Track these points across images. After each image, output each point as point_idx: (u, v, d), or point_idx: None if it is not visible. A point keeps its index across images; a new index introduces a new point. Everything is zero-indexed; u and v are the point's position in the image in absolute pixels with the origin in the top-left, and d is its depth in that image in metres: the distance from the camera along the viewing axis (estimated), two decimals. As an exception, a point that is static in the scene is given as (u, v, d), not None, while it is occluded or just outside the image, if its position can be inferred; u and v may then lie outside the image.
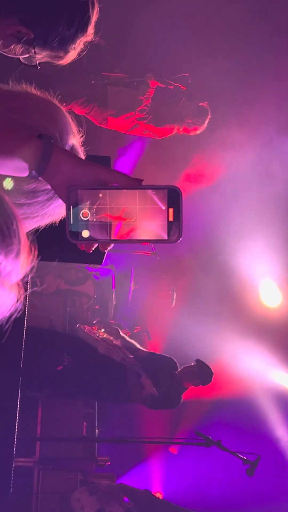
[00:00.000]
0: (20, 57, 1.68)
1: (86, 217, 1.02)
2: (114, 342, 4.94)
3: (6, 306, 0.84)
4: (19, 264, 0.84)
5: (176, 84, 5.68)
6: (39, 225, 1.17)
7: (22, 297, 0.86)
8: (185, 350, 5.39)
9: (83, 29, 1.64)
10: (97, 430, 5.16)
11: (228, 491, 5.97)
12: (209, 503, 5.71)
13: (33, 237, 0.90)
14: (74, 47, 1.68)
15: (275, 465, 6.14)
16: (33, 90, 1.18)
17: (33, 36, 1.60)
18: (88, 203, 1.01)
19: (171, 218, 1.01)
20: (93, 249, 1.07)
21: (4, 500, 3.40)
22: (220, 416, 6.13)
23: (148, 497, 4.54)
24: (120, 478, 5.54)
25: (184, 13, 5.99)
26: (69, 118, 1.18)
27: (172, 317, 6.54)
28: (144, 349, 5.11)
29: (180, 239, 1.02)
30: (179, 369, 4.85)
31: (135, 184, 1.01)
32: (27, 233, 0.87)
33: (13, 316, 0.86)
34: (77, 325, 5.29)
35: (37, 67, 1.70)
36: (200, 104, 5.68)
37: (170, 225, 1.01)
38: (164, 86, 5.64)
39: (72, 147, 1.16)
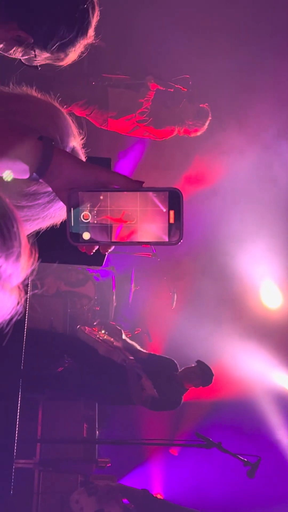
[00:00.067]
0: (21, 58, 1.68)
1: (87, 219, 1.02)
2: (114, 343, 4.94)
3: (6, 309, 0.84)
4: (20, 266, 0.83)
5: (176, 86, 5.68)
6: (40, 228, 1.16)
7: (23, 300, 0.85)
8: (186, 351, 5.39)
9: (83, 34, 1.65)
10: (97, 432, 5.16)
11: (229, 493, 5.96)
12: (209, 505, 5.69)
13: (34, 239, 0.90)
14: (74, 50, 1.68)
15: (276, 467, 6.12)
16: (33, 92, 1.18)
17: (33, 41, 1.60)
18: (89, 205, 1.01)
19: (172, 220, 1.01)
20: (93, 251, 1.07)
21: (5, 502, 3.40)
22: (220, 418, 6.13)
23: (146, 496, 4.54)
24: (120, 479, 5.53)
25: (184, 14, 5.99)
26: (70, 120, 1.18)
27: (173, 319, 6.54)
28: (145, 351, 5.11)
29: (181, 241, 1.02)
30: (179, 370, 4.85)
31: (136, 186, 1.01)
32: (27, 235, 0.87)
33: (14, 319, 0.86)
34: (78, 326, 5.29)
35: (38, 68, 1.71)
36: (200, 105, 5.68)
37: (170, 227, 1.01)
38: (164, 89, 5.64)
39: (73, 149, 1.16)
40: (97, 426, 5.13)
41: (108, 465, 4.99)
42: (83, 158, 1.19)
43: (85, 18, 1.63)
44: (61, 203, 1.07)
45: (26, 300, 0.86)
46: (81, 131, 1.21)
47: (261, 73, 6.19)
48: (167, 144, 6.03)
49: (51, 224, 1.18)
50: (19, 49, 1.63)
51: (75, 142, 1.18)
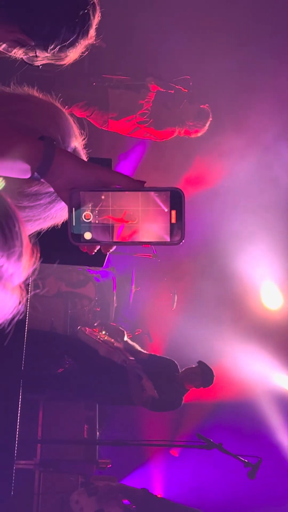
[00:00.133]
0: (23, 57, 1.69)
1: (88, 219, 1.02)
2: (115, 344, 4.94)
3: (8, 308, 0.84)
4: (21, 266, 0.83)
5: (177, 87, 5.68)
6: (41, 228, 1.16)
7: (24, 299, 0.85)
8: (186, 352, 5.39)
9: (84, 35, 1.64)
10: (98, 433, 5.16)
11: (230, 494, 5.96)
12: (210, 506, 5.69)
13: (35, 239, 0.90)
14: (75, 50, 1.68)
15: (276, 468, 6.12)
16: (35, 93, 1.18)
17: (33, 43, 1.60)
18: (90, 205, 1.01)
19: (173, 220, 1.01)
20: (95, 251, 1.07)
21: (5, 503, 3.39)
22: (221, 419, 6.12)
23: (146, 495, 4.53)
24: (121, 480, 5.52)
25: (184, 14, 6.00)
26: (71, 120, 1.18)
27: (173, 320, 6.54)
28: (145, 351, 5.11)
29: (183, 241, 1.01)
30: (180, 371, 4.85)
31: (137, 186, 1.01)
32: (29, 235, 0.87)
33: (15, 319, 0.86)
34: (78, 327, 5.28)
35: (39, 67, 1.71)
36: (201, 106, 5.68)
37: (172, 227, 1.01)
38: (164, 90, 5.64)
39: (75, 150, 1.16)
40: (97, 427, 5.13)
41: (108, 466, 4.99)
42: (85, 159, 1.19)
43: (86, 19, 1.63)
44: (63, 204, 1.07)
45: (27, 300, 0.86)
46: (82, 131, 1.21)
47: (261, 73, 6.19)
48: (168, 145, 6.04)
49: (53, 224, 1.18)
50: (21, 51, 1.64)
51: (77, 142, 1.18)
